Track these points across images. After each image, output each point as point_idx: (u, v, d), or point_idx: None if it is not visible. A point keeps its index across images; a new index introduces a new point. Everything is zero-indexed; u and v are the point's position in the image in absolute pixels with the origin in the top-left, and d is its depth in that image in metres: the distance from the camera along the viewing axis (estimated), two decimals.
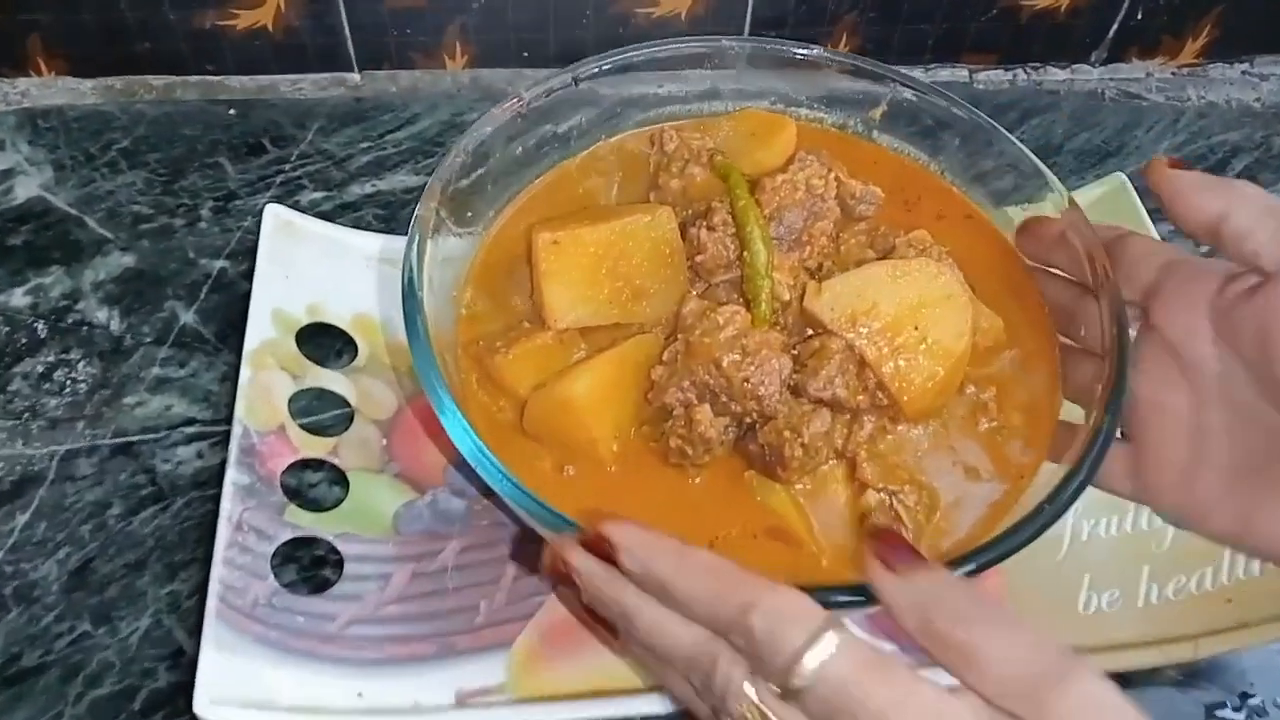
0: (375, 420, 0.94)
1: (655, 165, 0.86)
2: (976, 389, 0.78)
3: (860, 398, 0.73)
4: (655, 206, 0.79)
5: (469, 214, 0.84)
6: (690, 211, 0.80)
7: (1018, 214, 0.88)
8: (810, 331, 0.75)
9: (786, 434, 0.71)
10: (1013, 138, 0.88)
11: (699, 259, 0.75)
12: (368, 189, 1.13)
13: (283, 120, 1.20)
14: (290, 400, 0.92)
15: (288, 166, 1.15)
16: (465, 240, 0.84)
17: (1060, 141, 1.25)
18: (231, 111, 1.21)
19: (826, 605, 0.51)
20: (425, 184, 0.79)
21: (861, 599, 0.61)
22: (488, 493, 0.83)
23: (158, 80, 1.23)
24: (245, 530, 0.83)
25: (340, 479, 0.90)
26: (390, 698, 0.79)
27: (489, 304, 0.82)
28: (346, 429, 0.93)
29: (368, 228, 1.02)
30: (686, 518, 0.73)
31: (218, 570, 0.79)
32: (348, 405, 0.94)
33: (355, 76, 1.24)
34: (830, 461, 0.74)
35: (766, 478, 0.74)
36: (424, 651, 0.82)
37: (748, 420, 0.73)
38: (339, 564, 0.86)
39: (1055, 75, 1.35)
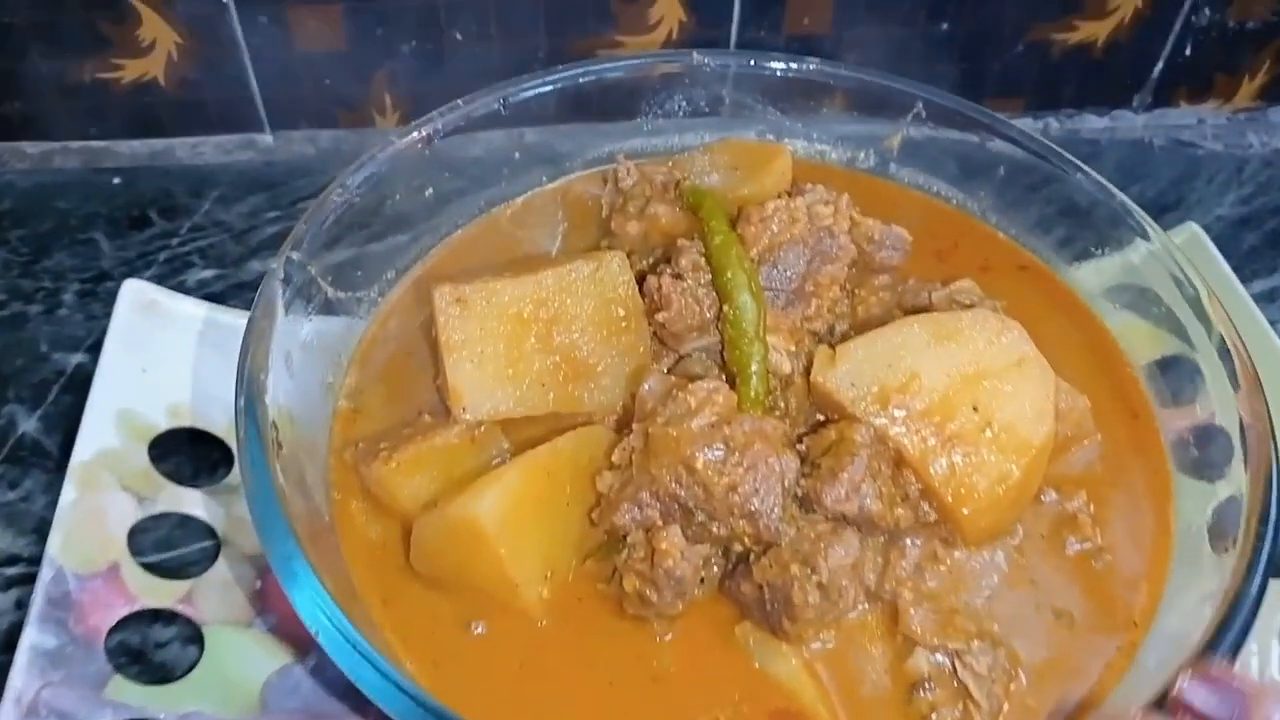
0: (249, 556, 0.70)
1: (609, 206, 0.66)
2: (1059, 495, 0.56)
3: (900, 511, 0.51)
4: (603, 253, 0.57)
5: (357, 274, 0.63)
6: (652, 259, 0.59)
7: (1095, 269, 0.66)
8: (822, 417, 0.53)
9: (795, 569, 0.48)
10: (1080, 164, 0.67)
11: (661, 318, 0.54)
12: (271, 266, 0.92)
13: (175, 189, 1.00)
14: (132, 531, 0.69)
15: (175, 241, 0.95)
16: (350, 309, 0.62)
17: None
18: (116, 180, 1.01)
19: None
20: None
21: None
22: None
23: (34, 147, 1.04)
24: (43, 715, 0.59)
25: (195, 637, 0.67)
26: None
27: (381, 393, 0.60)
28: (208, 568, 0.70)
29: None
30: (651, 694, 0.50)
31: None
32: (213, 536, 0.71)
33: (267, 138, 1.05)
34: (860, 606, 0.51)
35: (768, 634, 0.50)
36: None
37: (737, 549, 0.51)
38: None
39: (1094, 123, 1.16)
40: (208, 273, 0.93)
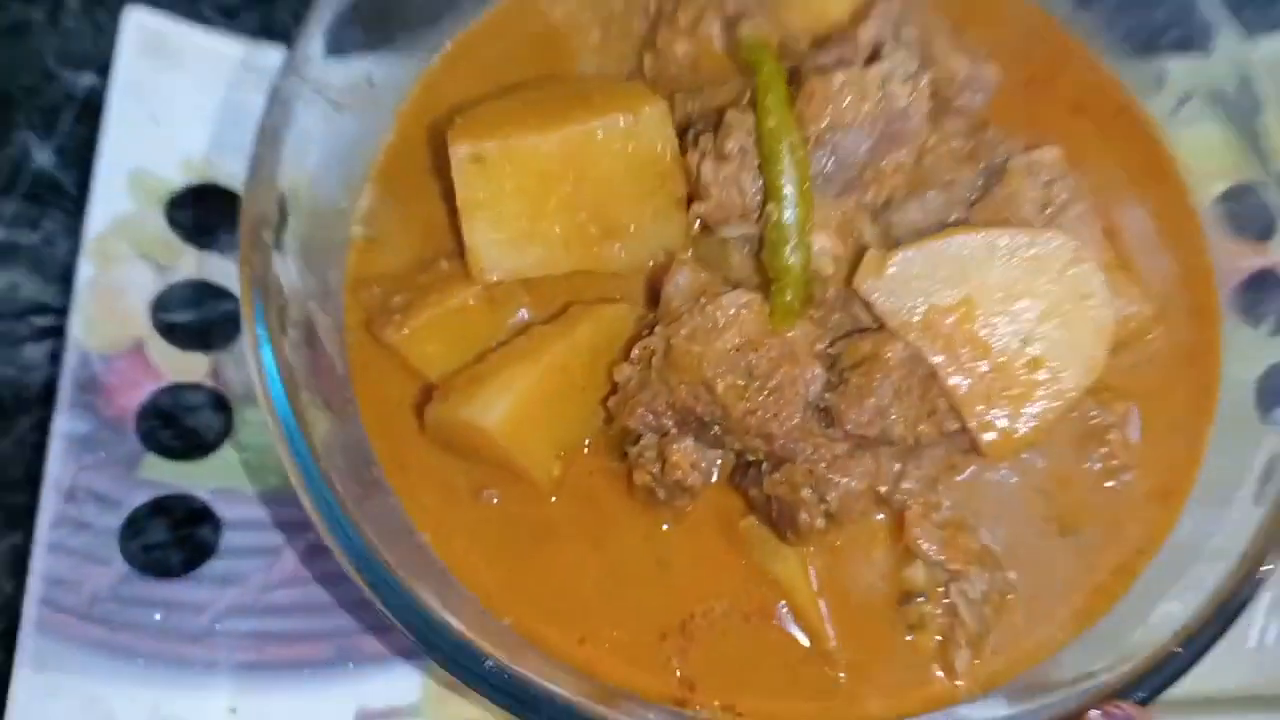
0: None
1: (655, 11, 0.57)
2: (1101, 410, 0.53)
3: (923, 428, 0.49)
4: (640, 96, 0.51)
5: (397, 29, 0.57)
6: (695, 107, 0.52)
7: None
8: (859, 324, 0.50)
9: (805, 494, 0.47)
10: None
11: (700, 210, 0.49)
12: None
13: None
14: (155, 304, 0.68)
15: None
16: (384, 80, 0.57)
17: None
18: None
19: None
20: None
21: None
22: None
23: None
24: (81, 500, 0.62)
25: (224, 405, 0.68)
26: (272, 715, 0.60)
27: (395, 219, 0.57)
28: (234, 335, 0.69)
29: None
30: (655, 577, 0.51)
31: (40, 562, 0.60)
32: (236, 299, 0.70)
33: None
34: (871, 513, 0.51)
35: (771, 533, 0.51)
36: (317, 655, 0.62)
37: (749, 459, 0.49)
38: (217, 530, 0.64)
39: None
40: None
